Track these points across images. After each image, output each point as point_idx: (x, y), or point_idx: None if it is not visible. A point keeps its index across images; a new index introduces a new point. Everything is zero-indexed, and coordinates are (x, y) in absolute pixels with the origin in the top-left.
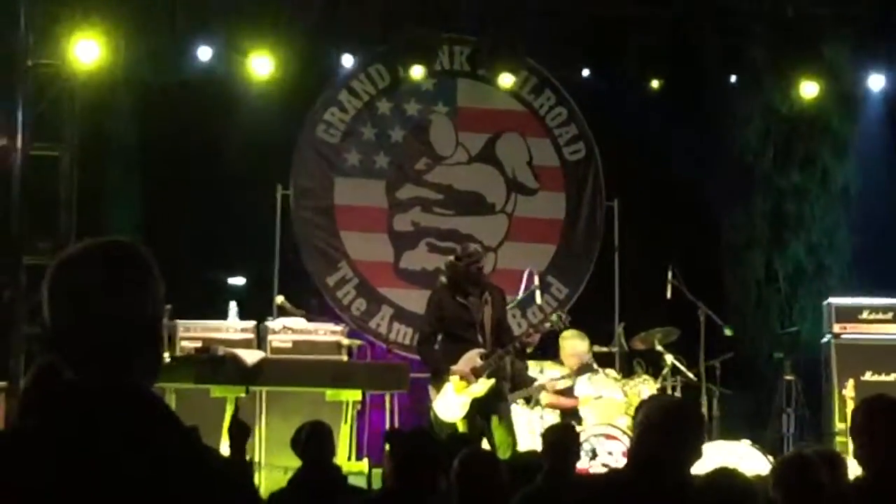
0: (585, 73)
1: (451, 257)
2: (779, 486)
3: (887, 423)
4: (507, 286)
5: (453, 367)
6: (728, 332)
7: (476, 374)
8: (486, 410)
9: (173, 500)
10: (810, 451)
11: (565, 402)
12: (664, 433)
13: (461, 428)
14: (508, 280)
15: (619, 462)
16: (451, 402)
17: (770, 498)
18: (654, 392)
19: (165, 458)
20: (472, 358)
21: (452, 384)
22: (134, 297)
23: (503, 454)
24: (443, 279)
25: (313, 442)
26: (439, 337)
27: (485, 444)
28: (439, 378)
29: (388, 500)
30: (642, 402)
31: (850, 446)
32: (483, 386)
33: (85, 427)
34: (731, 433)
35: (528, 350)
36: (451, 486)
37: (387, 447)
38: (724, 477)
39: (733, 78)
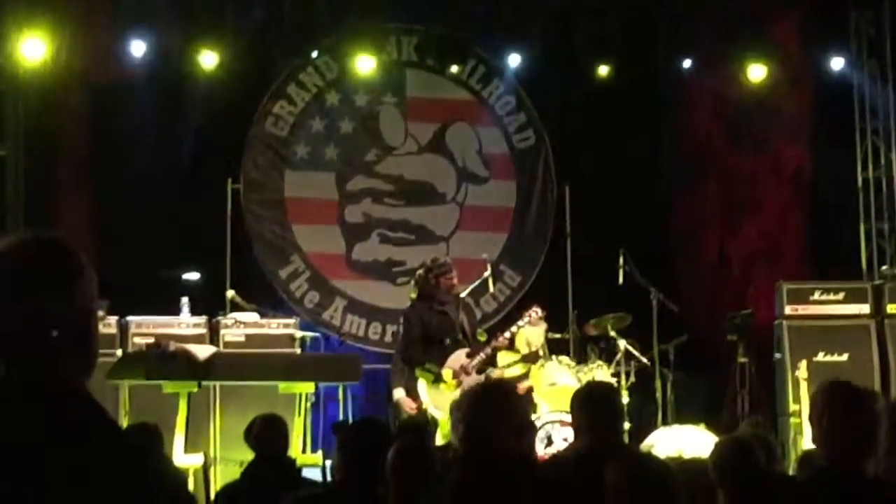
0: (534, 59)
1: (421, 271)
2: (716, 468)
3: (845, 409)
4: (461, 275)
5: (445, 366)
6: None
7: (466, 370)
8: None
9: (93, 496)
10: (747, 434)
11: (520, 390)
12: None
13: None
14: (462, 269)
15: None
16: (446, 399)
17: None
18: (609, 377)
19: (86, 453)
20: (459, 357)
21: (445, 381)
22: (59, 292)
23: None
24: (413, 295)
25: (265, 434)
26: (421, 347)
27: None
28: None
29: (335, 492)
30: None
31: (805, 428)
32: (475, 381)
33: (4, 421)
34: (685, 417)
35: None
36: (387, 477)
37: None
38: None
39: (683, 62)
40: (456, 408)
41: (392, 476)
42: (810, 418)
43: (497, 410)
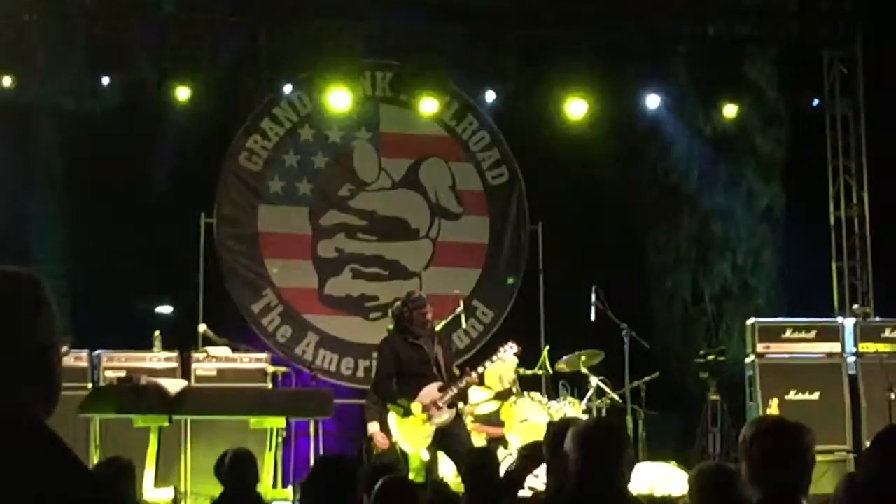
0: (508, 97)
1: (398, 303)
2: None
3: (779, 445)
4: (434, 311)
5: (416, 400)
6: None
7: (437, 405)
8: (447, 439)
9: None
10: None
11: (491, 430)
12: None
13: (423, 458)
14: (435, 305)
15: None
16: (416, 434)
17: None
18: (579, 414)
19: (47, 492)
20: (431, 391)
21: (415, 416)
22: (20, 327)
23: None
24: (389, 327)
25: (236, 469)
26: (394, 381)
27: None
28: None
29: None
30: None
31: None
32: (445, 416)
33: None
34: (657, 454)
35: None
36: None
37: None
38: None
39: (655, 99)
40: (572, 442)
41: None
42: (741, 455)
43: (616, 449)
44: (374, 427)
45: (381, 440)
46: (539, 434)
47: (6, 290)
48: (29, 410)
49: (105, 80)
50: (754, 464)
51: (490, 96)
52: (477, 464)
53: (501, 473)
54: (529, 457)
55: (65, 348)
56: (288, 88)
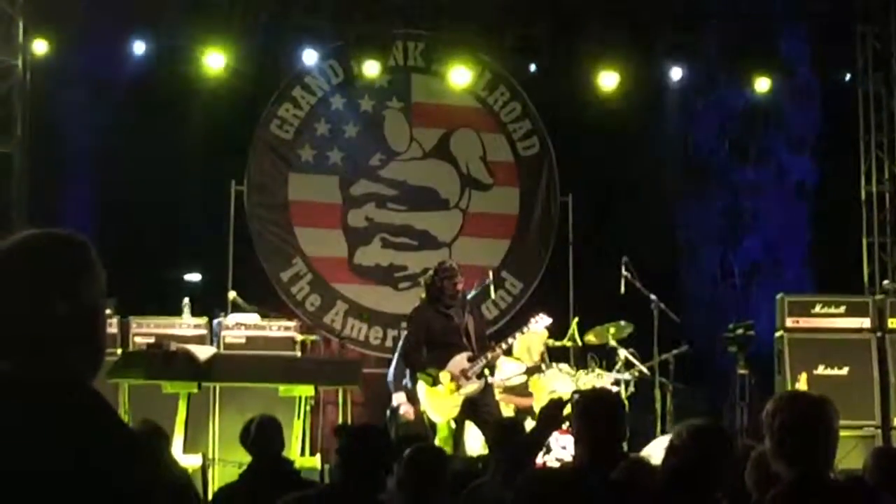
0: (539, 68)
1: (430, 272)
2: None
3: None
4: (464, 281)
5: (445, 370)
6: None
7: (466, 375)
8: (476, 409)
9: (95, 495)
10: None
11: (519, 400)
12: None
13: (449, 428)
14: (464, 275)
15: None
16: (444, 404)
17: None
18: (608, 386)
19: (97, 452)
20: (460, 361)
21: (444, 386)
22: (67, 289)
23: None
24: (422, 296)
25: (261, 436)
26: (424, 350)
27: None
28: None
29: (333, 494)
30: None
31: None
32: (474, 386)
33: (11, 418)
34: None
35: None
36: (399, 480)
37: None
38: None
39: (687, 72)
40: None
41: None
42: (766, 432)
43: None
44: (400, 398)
45: (407, 410)
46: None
47: (55, 251)
48: (74, 372)
49: (138, 48)
50: (776, 438)
51: (522, 68)
52: (503, 433)
53: None
54: (549, 418)
55: (108, 311)
56: (320, 57)
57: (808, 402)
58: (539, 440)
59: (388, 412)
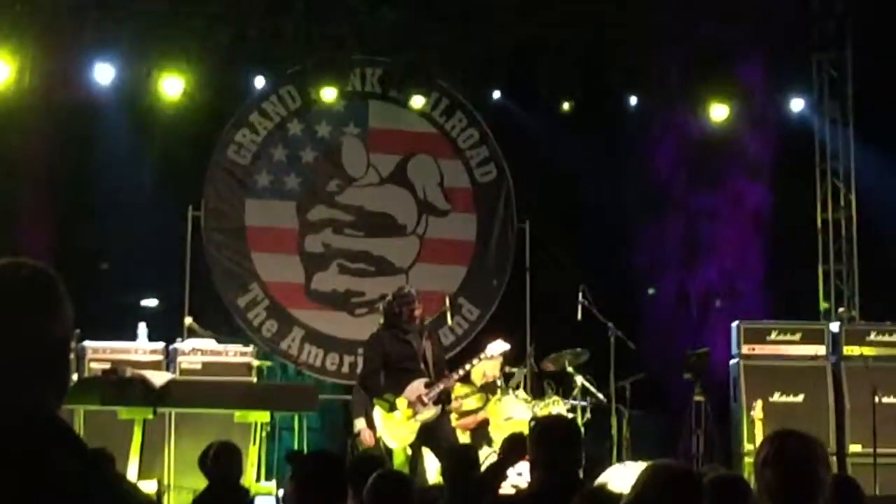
0: (497, 95)
1: (388, 298)
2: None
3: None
4: (421, 307)
5: (401, 395)
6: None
7: (423, 401)
8: (432, 436)
9: None
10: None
11: (475, 426)
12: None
13: (405, 454)
14: (421, 301)
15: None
16: (400, 430)
17: None
18: (565, 413)
19: (64, 483)
20: (417, 387)
21: (401, 412)
22: (41, 319)
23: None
24: (381, 320)
25: (220, 461)
26: (382, 376)
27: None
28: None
29: None
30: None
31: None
32: (431, 412)
33: None
34: (640, 454)
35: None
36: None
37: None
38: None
39: (645, 99)
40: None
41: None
42: (755, 468)
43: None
44: (360, 423)
45: (367, 437)
46: (523, 431)
47: (29, 287)
48: (44, 403)
49: (95, 73)
50: (773, 479)
51: (479, 94)
52: (457, 461)
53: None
54: (510, 451)
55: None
56: (277, 83)
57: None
58: (499, 473)
59: (350, 439)
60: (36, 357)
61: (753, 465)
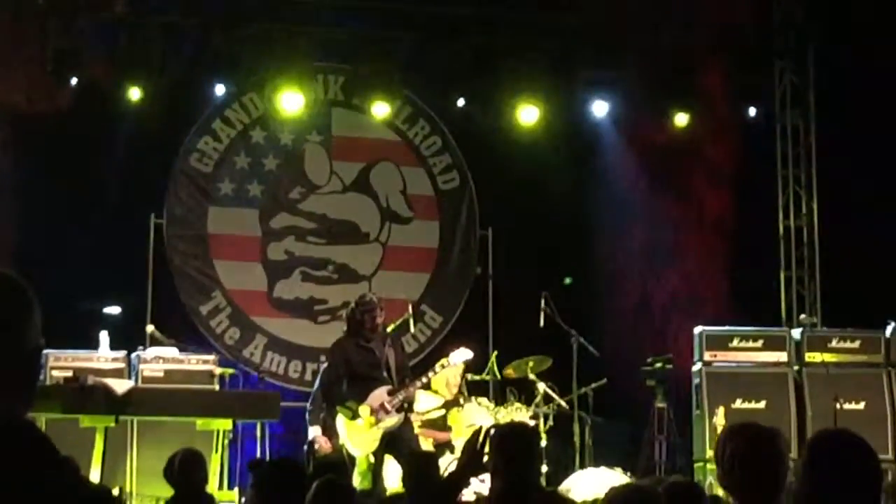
0: (460, 102)
1: (350, 306)
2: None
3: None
4: (383, 315)
5: (364, 403)
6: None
7: (385, 408)
8: (395, 443)
9: None
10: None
11: (438, 434)
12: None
13: (368, 462)
14: (384, 308)
15: None
16: (363, 437)
17: None
18: (527, 420)
19: (39, 490)
20: (380, 394)
21: (363, 419)
22: (13, 330)
23: None
24: (343, 327)
25: (186, 469)
26: (344, 384)
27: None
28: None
29: None
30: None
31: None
32: (393, 420)
33: None
34: (603, 460)
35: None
36: None
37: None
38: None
39: (606, 107)
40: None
41: None
42: (716, 462)
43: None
44: (315, 431)
45: (323, 444)
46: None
47: (4, 294)
48: (16, 411)
49: (57, 81)
50: (734, 471)
51: (442, 101)
52: (416, 468)
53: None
54: (470, 459)
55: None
56: (240, 90)
57: (759, 435)
58: (460, 481)
59: (305, 446)
60: (11, 366)
61: (718, 458)
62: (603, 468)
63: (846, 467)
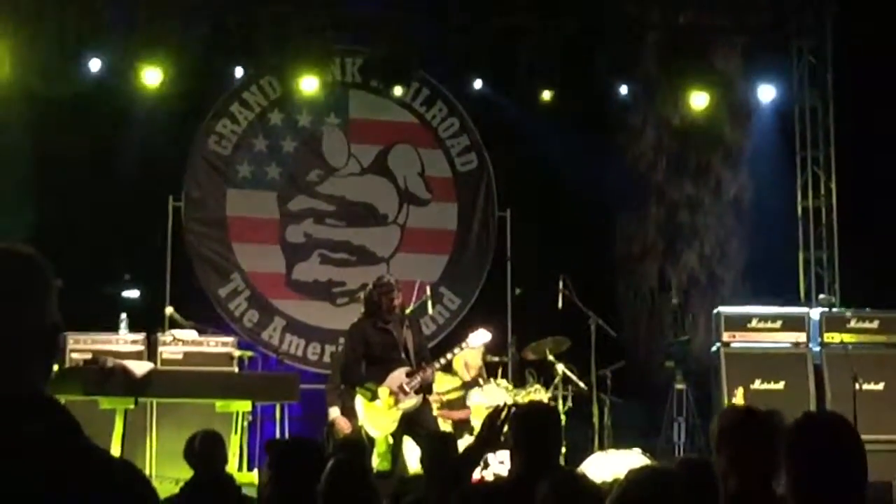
0: (478, 84)
1: (368, 287)
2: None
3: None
4: (401, 296)
5: (383, 385)
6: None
7: (404, 390)
8: (414, 425)
9: None
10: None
11: (457, 414)
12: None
13: (387, 443)
14: (402, 290)
15: None
16: (382, 419)
17: None
18: (546, 401)
19: (66, 464)
20: (399, 376)
21: (382, 401)
22: (34, 306)
23: None
24: (361, 309)
25: (205, 451)
26: (363, 365)
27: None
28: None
29: None
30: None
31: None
32: (412, 401)
33: None
34: (622, 442)
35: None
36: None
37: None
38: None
39: (625, 88)
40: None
41: (326, 494)
42: (714, 445)
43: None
44: (335, 412)
45: (343, 425)
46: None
47: (20, 268)
48: (37, 387)
49: (75, 63)
50: (731, 453)
51: (460, 83)
52: (435, 449)
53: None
54: (489, 434)
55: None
56: (258, 73)
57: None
58: (476, 457)
59: (325, 428)
60: (34, 341)
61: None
62: (622, 450)
63: (829, 450)
